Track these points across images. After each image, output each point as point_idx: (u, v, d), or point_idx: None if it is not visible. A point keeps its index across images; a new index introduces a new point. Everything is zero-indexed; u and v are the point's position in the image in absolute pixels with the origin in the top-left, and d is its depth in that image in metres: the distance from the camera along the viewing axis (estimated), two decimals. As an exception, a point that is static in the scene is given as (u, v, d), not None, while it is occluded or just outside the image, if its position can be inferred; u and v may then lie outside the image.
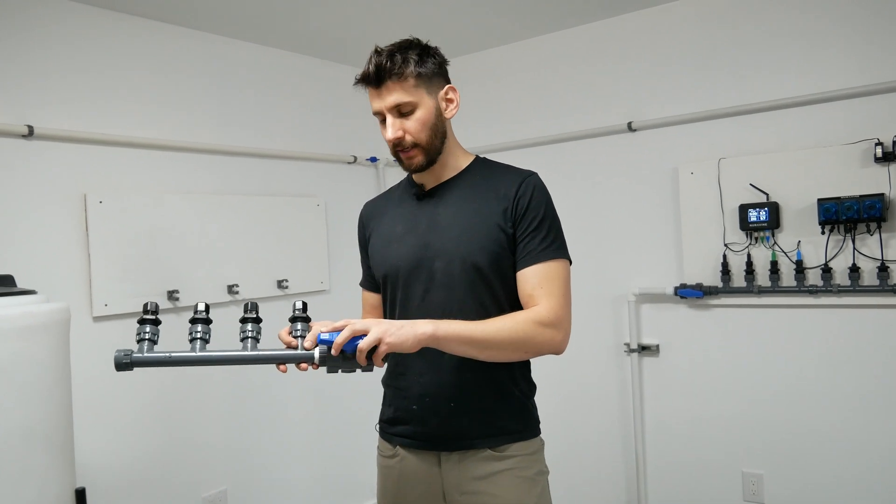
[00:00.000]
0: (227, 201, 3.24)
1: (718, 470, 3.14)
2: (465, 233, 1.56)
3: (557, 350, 1.51)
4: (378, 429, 1.75)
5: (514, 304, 1.58)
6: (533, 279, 1.52)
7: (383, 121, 1.56)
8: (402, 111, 1.53)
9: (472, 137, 3.78)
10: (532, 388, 1.69)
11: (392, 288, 1.66)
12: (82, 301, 2.72)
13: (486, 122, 3.77)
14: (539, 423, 1.68)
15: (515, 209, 1.56)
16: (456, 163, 1.66)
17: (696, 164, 3.09)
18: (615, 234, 3.38)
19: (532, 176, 1.62)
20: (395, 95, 1.52)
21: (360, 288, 1.87)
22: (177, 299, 2.98)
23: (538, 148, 3.59)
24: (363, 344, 1.31)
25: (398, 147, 1.56)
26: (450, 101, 1.62)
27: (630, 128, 3.27)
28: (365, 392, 3.12)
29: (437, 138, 1.58)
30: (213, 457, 3.17)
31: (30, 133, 2.57)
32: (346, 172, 3.83)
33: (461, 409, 1.57)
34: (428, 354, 1.53)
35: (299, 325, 1.44)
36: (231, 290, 3.20)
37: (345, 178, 3.82)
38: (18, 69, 2.61)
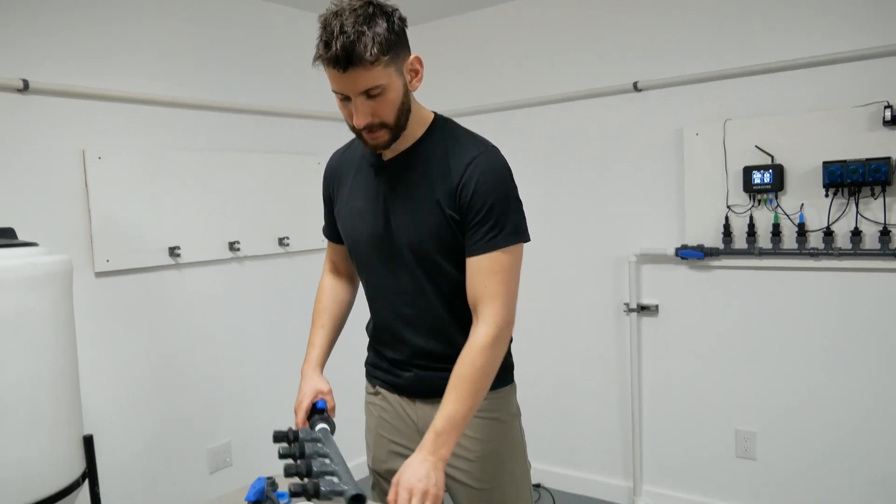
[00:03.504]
0: (228, 158, 3.22)
1: (713, 427, 3.18)
2: (415, 218, 1.53)
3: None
4: (365, 370, 1.84)
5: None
6: (476, 276, 1.50)
7: (344, 98, 1.44)
8: (371, 94, 1.41)
9: (478, 97, 3.74)
10: None
11: (357, 261, 1.70)
12: (84, 257, 2.72)
13: (490, 80, 3.73)
14: (511, 369, 1.71)
15: (460, 197, 1.49)
16: (412, 132, 1.55)
17: (702, 126, 3.07)
18: (618, 194, 3.37)
19: (480, 156, 1.51)
20: (364, 80, 1.38)
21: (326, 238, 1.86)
22: (178, 255, 2.98)
23: (542, 107, 3.55)
24: None
25: (364, 128, 1.47)
26: (415, 72, 1.49)
27: (636, 88, 3.24)
28: (363, 351, 3.14)
29: (404, 116, 1.49)
30: (218, 411, 3.22)
31: (25, 87, 2.53)
32: (346, 132, 3.74)
33: (427, 371, 1.62)
34: (394, 329, 1.64)
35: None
36: (232, 247, 3.20)
37: (345, 137, 3.73)
38: (13, 22, 2.55)
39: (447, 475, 1.65)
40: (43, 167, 2.62)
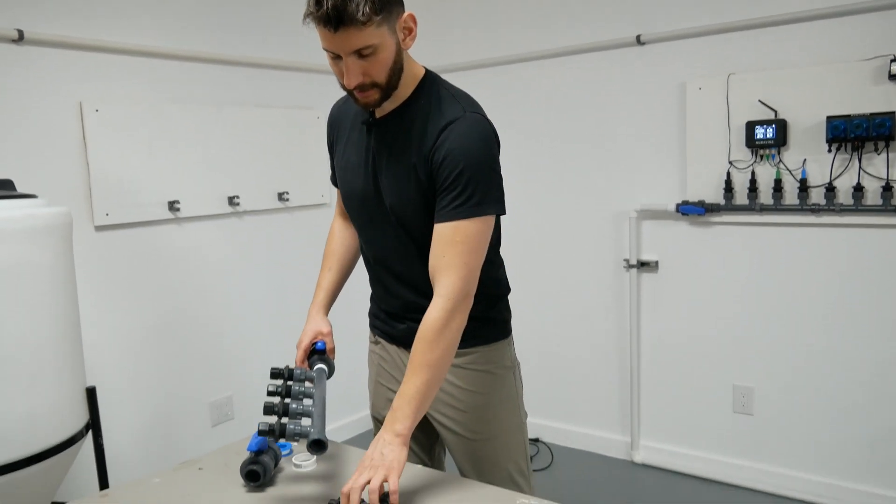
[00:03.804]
0: (227, 112, 3.19)
1: (710, 383, 3.21)
2: (396, 180, 1.53)
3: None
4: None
5: None
6: (437, 245, 1.48)
7: (335, 57, 1.40)
8: (363, 54, 1.37)
9: (474, 51, 3.70)
10: (498, 294, 1.70)
11: (350, 213, 1.72)
12: (83, 210, 2.72)
13: (486, 33, 3.68)
14: (507, 322, 1.72)
15: (431, 162, 1.46)
16: (403, 91, 1.51)
17: (705, 80, 3.04)
18: (619, 149, 3.35)
19: (457, 121, 1.46)
20: (356, 40, 1.35)
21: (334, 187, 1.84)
22: (178, 210, 2.98)
23: (541, 61, 3.51)
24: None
25: (355, 88, 1.43)
26: (408, 30, 1.45)
27: (639, 41, 3.19)
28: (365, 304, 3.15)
29: (396, 75, 1.45)
30: (218, 365, 3.25)
31: (20, 38, 2.50)
32: (346, 84, 3.75)
33: (417, 325, 1.59)
34: (386, 282, 1.66)
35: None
36: (232, 201, 3.19)
37: (343, 91, 3.74)
38: (7, -32, 2.51)
39: (442, 425, 1.69)
40: (40, 119, 2.60)
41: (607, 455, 3.54)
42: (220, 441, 3.16)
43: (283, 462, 1.62)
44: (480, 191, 1.45)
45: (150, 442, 2.99)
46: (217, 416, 3.24)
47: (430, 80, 1.55)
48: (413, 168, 1.49)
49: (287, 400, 1.49)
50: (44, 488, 2.08)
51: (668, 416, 3.35)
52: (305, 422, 1.43)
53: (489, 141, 1.49)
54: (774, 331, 3.02)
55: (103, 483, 2.35)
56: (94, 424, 2.26)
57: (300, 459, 1.61)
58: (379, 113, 1.55)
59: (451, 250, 1.45)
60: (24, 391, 1.91)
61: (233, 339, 3.30)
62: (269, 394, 1.51)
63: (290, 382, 1.55)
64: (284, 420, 1.43)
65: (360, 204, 1.63)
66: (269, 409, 1.46)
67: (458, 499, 1.44)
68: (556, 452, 3.57)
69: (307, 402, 1.49)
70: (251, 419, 3.31)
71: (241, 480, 1.52)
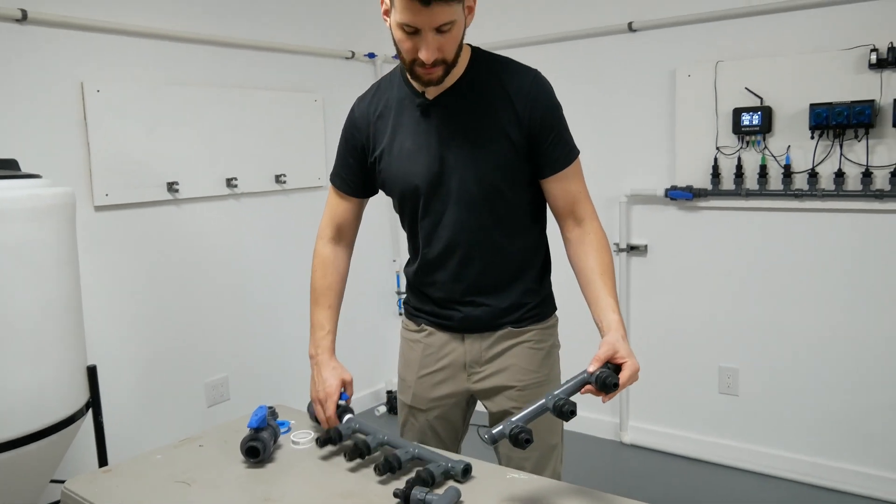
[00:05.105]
0: (226, 94, 3.23)
1: (697, 365, 3.28)
2: (479, 149, 1.53)
3: None
4: (403, 310, 1.85)
5: (526, 211, 1.66)
6: (566, 185, 1.62)
7: (412, 32, 1.40)
8: (442, 29, 1.40)
9: (466, 36, 3.72)
10: (546, 277, 1.78)
11: (411, 207, 1.65)
12: (83, 190, 2.75)
13: (476, 18, 3.68)
14: (553, 299, 1.78)
15: (530, 118, 1.52)
16: (458, 67, 1.54)
17: (694, 67, 3.09)
18: (610, 135, 3.40)
19: (537, 76, 1.57)
20: (442, 15, 1.37)
21: (332, 186, 1.80)
22: (176, 191, 3.02)
23: (535, 47, 3.54)
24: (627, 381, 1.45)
25: (423, 64, 1.43)
26: (470, 9, 1.48)
27: (630, 28, 3.24)
28: (368, 281, 3.20)
29: (459, 52, 1.48)
30: (215, 346, 3.28)
31: (23, 17, 2.53)
32: (343, 68, 3.79)
33: (479, 308, 1.66)
34: (449, 267, 1.64)
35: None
36: (230, 183, 3.24)
37: (342, 73, 3.78)
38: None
39: (500, 406, 1.68)
40: (42, 99, 2.63)
41: (596, 436, 3.60)
42: (215, 422, 3.19)
43: (281, 439, 1.63)
44: (568, 130, 1.61)
45: (146, 422, 3.01)
46: (213, 396, 3.29)
47: (482, 53, 1.62)
48: (503, 133, 1.53)
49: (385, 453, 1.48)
50: (44, 466, 2.10)
51: (656, 397, 3.42)
52: (437, 463, 1.42)
53: None
54: (759, 313, 3.08)
55: (102, 461, 2.37)
56: (94, 402, 2.27)
57: (298, 437, 1.62)
58: (433, 93, 1.56)
59: (577, 185, 1.63)
60: (27, 368, 1.93)
61: (229, 322, 3.34)
62: (352, 456, 1.50)
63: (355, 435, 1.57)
64: (426, 468, 1.40)
65: (426, 189, 1.59)
66: (385, 469, 1.43)
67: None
68: (546, 432, 3.62)
69: (408, 449, 1.48)
70: (246, 401, 3.34)
71: (240, 456, 1.53)
